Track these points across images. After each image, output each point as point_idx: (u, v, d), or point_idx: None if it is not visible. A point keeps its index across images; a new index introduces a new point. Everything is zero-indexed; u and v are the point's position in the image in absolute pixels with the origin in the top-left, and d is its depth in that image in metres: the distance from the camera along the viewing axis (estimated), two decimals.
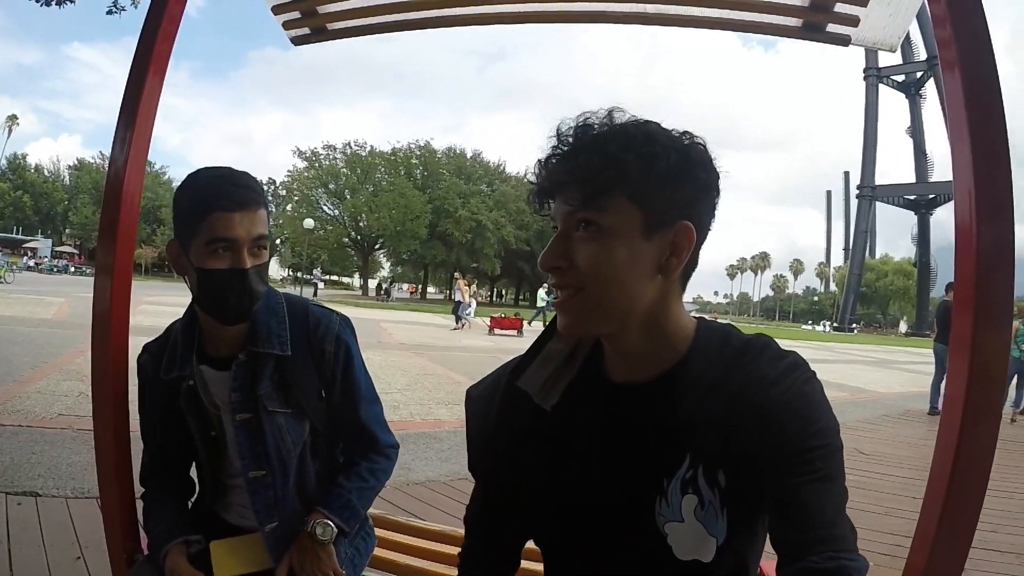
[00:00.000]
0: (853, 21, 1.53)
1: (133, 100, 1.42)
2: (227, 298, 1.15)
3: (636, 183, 0.73)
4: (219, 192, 1.12)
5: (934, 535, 0.98)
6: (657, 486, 0.79)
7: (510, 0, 1.59)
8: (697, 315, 0.86)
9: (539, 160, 0.79)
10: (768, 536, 0.76)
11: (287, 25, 1.73)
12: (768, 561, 0.89)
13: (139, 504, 1.42)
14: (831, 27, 1.57)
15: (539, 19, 1.65)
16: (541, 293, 24.72)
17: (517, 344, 14.55)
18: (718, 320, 0.96)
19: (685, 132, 0.78)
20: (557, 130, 0.77)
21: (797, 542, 0.69)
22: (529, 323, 22.52)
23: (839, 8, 1.51)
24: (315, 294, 30.70)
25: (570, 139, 0.77)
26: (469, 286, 21.37)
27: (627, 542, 0.82)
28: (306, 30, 1.76)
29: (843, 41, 1.60)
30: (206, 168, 1.18)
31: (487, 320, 19.44)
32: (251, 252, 1.15)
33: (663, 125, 0.78)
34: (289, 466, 1.26)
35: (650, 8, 1.47)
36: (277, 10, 1.69)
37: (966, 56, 1.01)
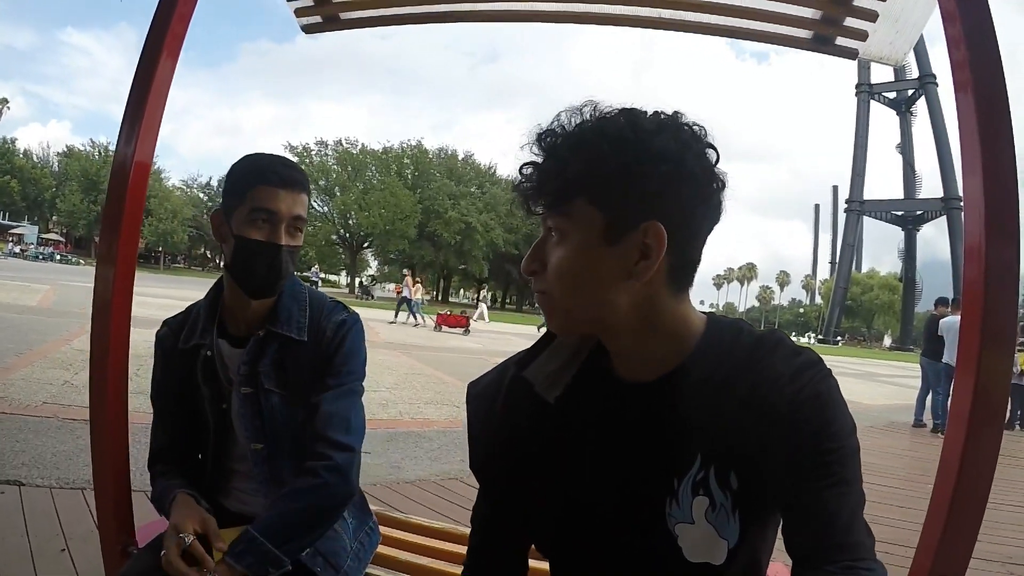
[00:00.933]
0: (862, 35, 1.55)
1: (144, 84, 1.40)
2: (258, 268, 1.21)
3: (590, 185, 0.71)
4: (269, 168, 1.20)
5: (938, 539, 1.02)
6: (667, 486, 0.76)
7: None
8: (706, 311, 0.82)
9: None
10: (783, 538, 0.73)
11: (299, 12, 1.72)
12: (775, 563, 0.89)
13: (135, 494, 1.41)
14: (840, 40, 1.59)
15: (550, 18, 1.66)
16: None
17: (510, 346, 14.55)
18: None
19: (672, 115, 0.74)
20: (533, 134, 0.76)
21: (812, 549, 0.66)
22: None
23: (849, 22, 1.53)
24: None
25: (536, 143, 0.75)
26: (417, 283, 21.34)
27: (635, 542, 0.79)
28: (318, 18, 1.75)
29: (851, 55, 1.62)
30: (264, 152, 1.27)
31: (433, 317, 19.45)
32: (288, 231, 1.22)
33: (644, 112, 0.74)
34: (282, 444, 1.27)
35: (666, 14, 1.48)
36: None
37: (979, 77, 1.05)
